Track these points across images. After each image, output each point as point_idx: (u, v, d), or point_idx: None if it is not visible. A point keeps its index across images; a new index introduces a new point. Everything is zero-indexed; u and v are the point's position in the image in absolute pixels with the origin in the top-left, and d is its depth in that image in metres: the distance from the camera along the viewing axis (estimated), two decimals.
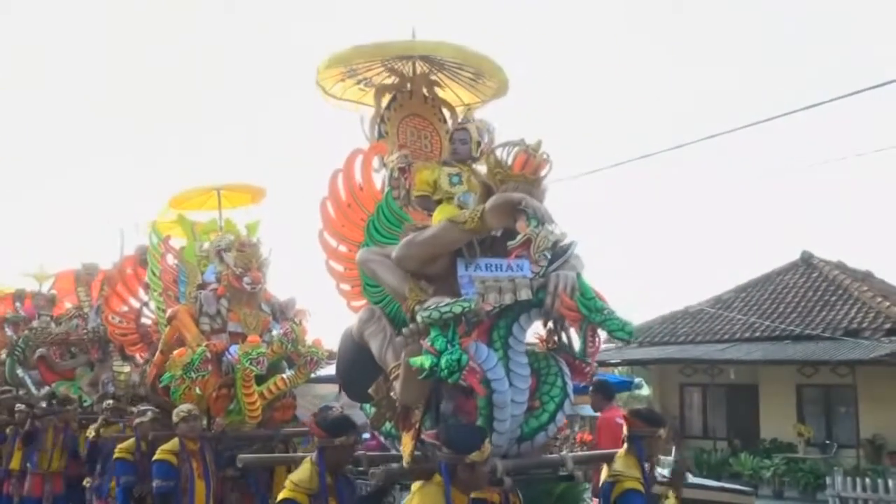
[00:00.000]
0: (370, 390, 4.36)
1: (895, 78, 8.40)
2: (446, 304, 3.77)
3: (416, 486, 3.69)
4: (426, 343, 3.75)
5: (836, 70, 45.58)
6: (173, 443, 5.90)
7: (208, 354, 6.25)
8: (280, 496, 4.14)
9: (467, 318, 3.81)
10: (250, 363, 6.09)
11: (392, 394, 4.18)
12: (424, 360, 3.67)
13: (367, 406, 4.68)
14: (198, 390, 6.16)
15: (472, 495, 3.69)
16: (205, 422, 6.37)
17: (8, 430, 9.76)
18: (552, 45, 54.43)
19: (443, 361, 3.61)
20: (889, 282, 20.44)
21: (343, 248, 4.78)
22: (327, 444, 4.15)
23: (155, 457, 5.89)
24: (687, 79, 50.63)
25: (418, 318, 3.89)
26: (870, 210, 46.55)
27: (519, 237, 3.82)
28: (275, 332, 6.60)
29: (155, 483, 5.80)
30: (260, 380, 6.31)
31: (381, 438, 4.75)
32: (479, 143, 4.77)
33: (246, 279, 6.61)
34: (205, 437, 6.10)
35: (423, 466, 3.80)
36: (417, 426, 4.06)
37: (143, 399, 7.67)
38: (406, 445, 4.16)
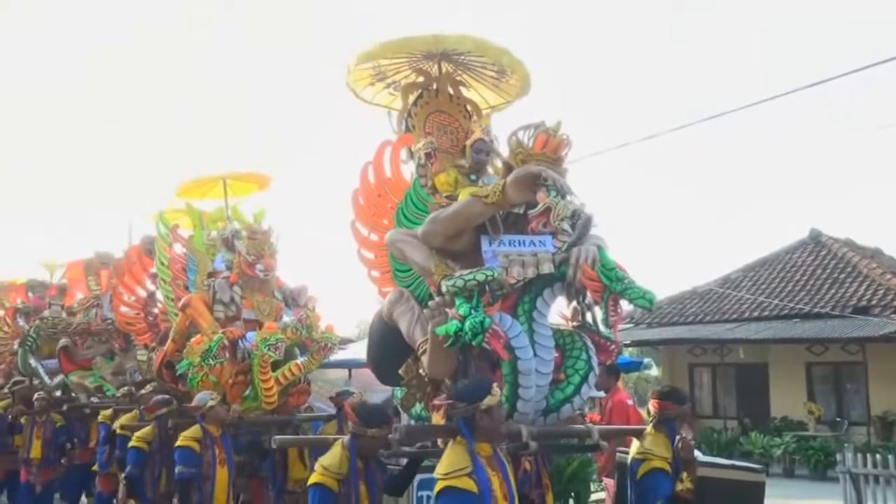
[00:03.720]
0: (400, 371, 4.47)
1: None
2: (470, 273, 3.91)
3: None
4: (451, 311, 3.88)
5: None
6: (195, 429, 5.93)
7: (226, 341, 6.32)
8: (311, 480, 4.19)
9: (491, 289, 3.93)
10: (268, 349, 6.17)
11: (421, 371, 4.28)
12: (449, 327, 3.80)
13: (398, 391, 4.78)
14: (212, 377, 6.20)
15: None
16: None
17: (23, 420, 9.82)
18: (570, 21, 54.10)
19: (466, 325, 3.72)
20: None
21: (374, 237, 4.93)
22: (361, 432, 4.19)
23: (178, 443, 5.93)
24: (687, 63, 50.28)
25: (443, 288, 4.01)
26: (879, 187, 46.30)
27: (539, 206, 3.96)
28: (288, 319, 6.65)
29: (177, 469, 5.81)
30: (274, 366, 6.36)
31: (411, 421, 4.81)
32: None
33: (259, 266, 6.69)
34: (223, 423, 6.14)
35: (444, 425, 3.88)
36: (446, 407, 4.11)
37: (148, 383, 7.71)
38: None
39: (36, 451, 9.46)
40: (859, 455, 9.86)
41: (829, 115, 47.66)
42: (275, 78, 57.79)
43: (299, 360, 6.56)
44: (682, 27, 51.92)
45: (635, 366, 19.09)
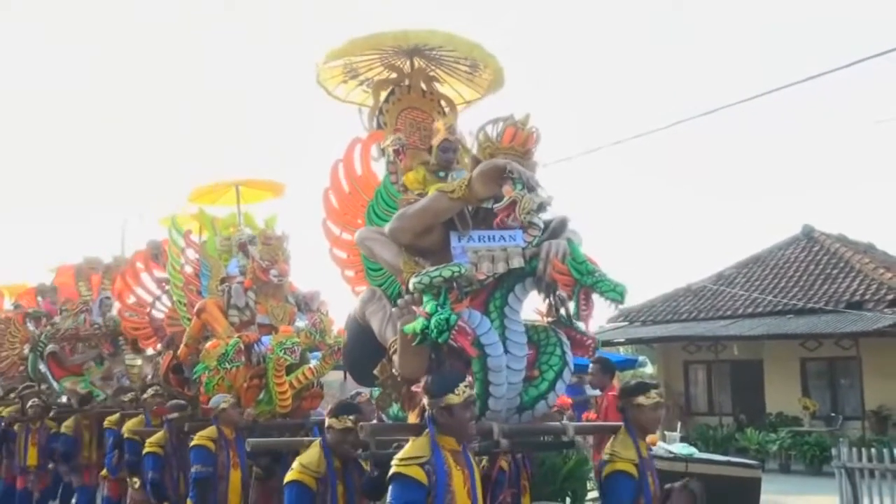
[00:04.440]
0: (375, 371, 4.42)
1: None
2: (436, 270, 3.88)
3: None
4: (419, 309, 3.85)
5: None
6: (211, 429, 5.92)
7: (241, 345, 6.33)
8: (287, 477, 4.17)
9: (459, 285, 3.89)
10: (284, 353, 6.15)
11: (395, 370, 4.23)
12: (416, 325, 3.77)
13: (375, 390, 4.73)
14: (227, 381, 6.21)
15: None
16: None
17: (17, 427, 9.76)
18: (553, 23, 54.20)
19: (432, 322, 3.69)
20: (891, 253, 20.45)
21: (346, 236, 4.89)
22: (329, 425, 4.21)
23: (193, 442, 5.91)
24: (684, 61, 50.40)
25: (411, 285, 3.97)
26: (871, 182, 46.51)
27: (504, 200, 3.91)
28: (301, 324, 6.66)
29: (194, 469, 5.78)
30: (288, 370, 6.36)
31: (388, 421, 4.78)
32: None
33: (273, 272, 6.68)
34: (237, 426, 6.14)
35: (410, 423, 3.85)
36: (422, 405, 4.10)
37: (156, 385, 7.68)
38: None
39: (32, 459, 9.42)
40: (854, 449, 9.87)
41: (822, 112, 47.89)
42: (275, 78, 57.79)
43: (312, 364, 6.57)
44: (681, 25, 52.09)
45: (630, 364, 19.13)
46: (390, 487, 3.44)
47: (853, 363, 16.35)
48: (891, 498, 9.38)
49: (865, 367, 16.09)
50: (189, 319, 7.04)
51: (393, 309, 4.27)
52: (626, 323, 20.38)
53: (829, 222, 39.53)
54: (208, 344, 6.48)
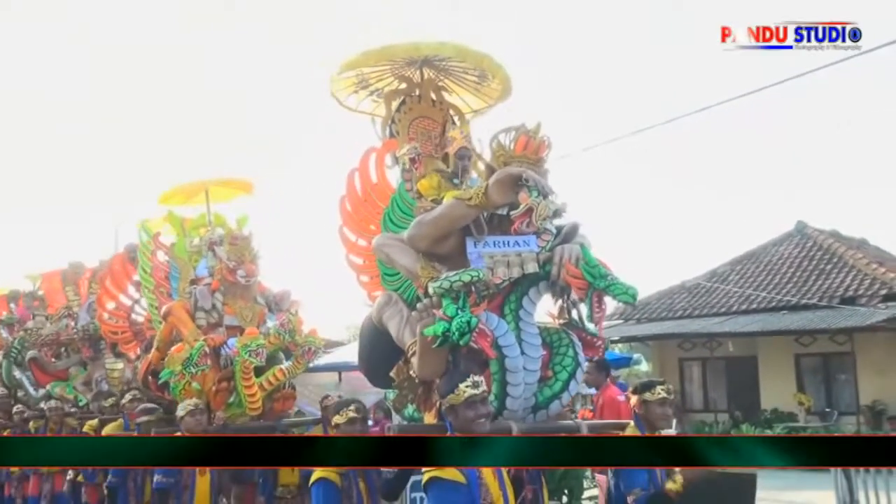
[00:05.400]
0: (391, 373, 4.54)
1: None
2: (455, 274, 4.00)
3: None
4: (439, 312, 3.97)
5: None
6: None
7: (206, 349, 6.28)
8: (313, 477, 4.26)
9: (477, 289, 4.03)
10: (249, 355, 6.11)
11: (412, 373, 4.35)
12: (437, 328, 3.89)
13: (391, 392, 4.85)
14: (196, 385, 6.15)
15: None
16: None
17: (5, 434, 9.69)
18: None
19: (453, 325, 3.81)
20: (884, 249, 20.52)
21: (362, 242, 5.01)
22: (335, 423, 4.32)
23: None
24: (681, 58, 50.50)
25: (430, 290, 4.10)
26: (863, 178, 46.66)
27: (521, 207, 4.02)
28: (271, 324, 6.60)
29: (155, 478, 5.75)
30: (258, 371, 6.31)
31: (404, 422, 4.87)
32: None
33: (240, 272, 6.63)
34: (206, 431, 6.05)
35: (433, 424, 3.99)
36: (438, 405, 4.19)
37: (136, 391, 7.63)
38: None
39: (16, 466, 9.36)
40: None
41: (816, 109, 48.04)
42: (274, 78, 57.71)
43: (283, 366, 6.52)
44: (680, 24, 52.19)
45: (625, 362, 19.14)
46: (429, 493, 3.52)
47: (847, 358, 16.42)
48: (886, 493, 9.42)
49: (860, 362, 16.18)
50: (160, 323, 6.99)
51: (412, 313, 4.39)
52: (621, 321, 20.40)
53: (822, 218, 39.66)
54: (173, 348, 6.45)
